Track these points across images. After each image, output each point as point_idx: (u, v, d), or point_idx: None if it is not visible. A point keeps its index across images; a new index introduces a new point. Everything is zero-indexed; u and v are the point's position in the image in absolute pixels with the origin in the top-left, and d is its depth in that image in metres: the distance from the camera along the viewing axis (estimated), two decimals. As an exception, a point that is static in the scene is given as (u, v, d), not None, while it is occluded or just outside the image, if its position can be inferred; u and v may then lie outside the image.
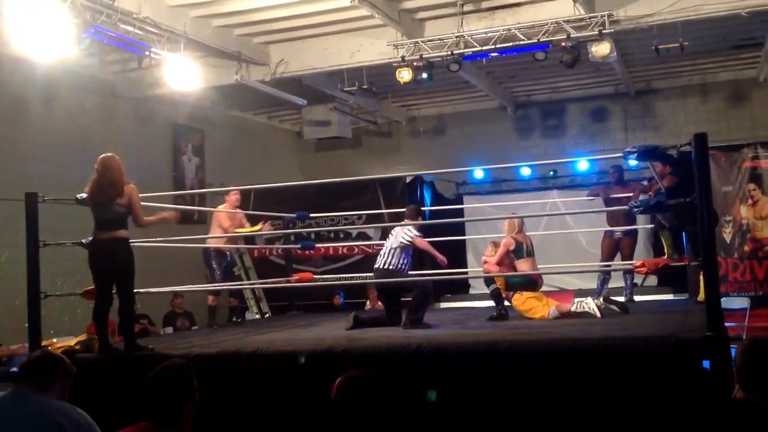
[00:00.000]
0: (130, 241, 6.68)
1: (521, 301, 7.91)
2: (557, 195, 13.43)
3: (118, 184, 6.46)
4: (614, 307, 7.86)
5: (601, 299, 7.97)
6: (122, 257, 6.49)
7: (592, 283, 10.49)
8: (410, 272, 7.99)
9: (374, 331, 7.36)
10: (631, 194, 9.62)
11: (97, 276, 6.56)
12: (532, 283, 8.06)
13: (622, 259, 9.74)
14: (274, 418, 5.70)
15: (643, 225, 10.63)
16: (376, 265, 7.93)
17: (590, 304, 7.53)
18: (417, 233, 7.78)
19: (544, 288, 8.54)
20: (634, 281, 11.10)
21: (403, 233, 7.75)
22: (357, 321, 7.55)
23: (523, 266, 8.10)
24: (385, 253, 7.84)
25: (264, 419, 5.76)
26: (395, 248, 7.75)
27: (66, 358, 4.19)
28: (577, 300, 7.75)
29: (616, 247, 9.71)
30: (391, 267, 7.74)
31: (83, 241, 6.98)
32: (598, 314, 7.44)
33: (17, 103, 10.52)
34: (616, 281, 10.08)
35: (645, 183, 10.46)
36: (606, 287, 9.59)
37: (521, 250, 8.14)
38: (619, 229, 9.58)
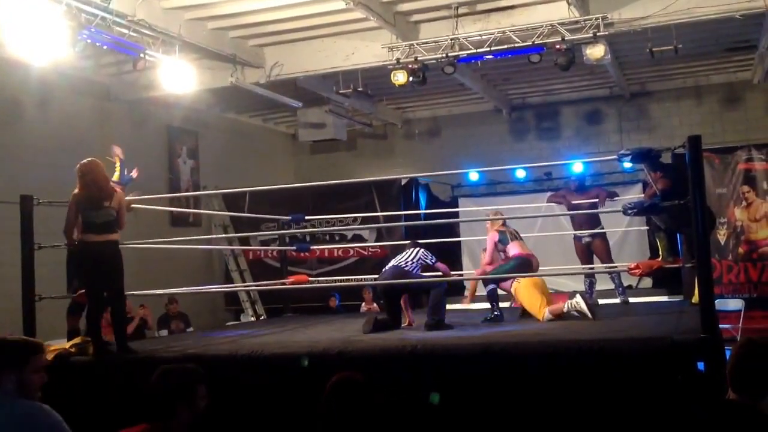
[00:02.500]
0: (125, 243, 6.69)
1: (523, 287, 7.88)
2: (552, 197, 13.44)
3: (110, 188, 6.58)
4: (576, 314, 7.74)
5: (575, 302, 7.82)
6: (114, 260, 6.51)
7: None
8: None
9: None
10: (594, 200, 9.69)
11: (88, 279, 6.57)
12: (526, 263, 8.08)
13: (601, 262, 9.77)
14: (269, 420, 5.70)
15: (613, 228, 10.77)
16: (386, 267, 8.00)
17: (581, 304, 7.50)
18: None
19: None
20: (628, 283, 11.17)
21: (424, 255, 7.91)
22: (376, 324, 7.45)
23: (512, 249, 8.18)
24: (398, 259, 7.97)
25: (258, 422, 5.75)
26: (412, 260, 7.86)
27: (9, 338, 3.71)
28: (569, 300, 7.74)
29: (588, 250, 9.76)
30: (404, 267, 7.81)
31: (76, 243, 6.99)
32: (589, 315, 7.42)
33: (12, 106, 10.51)
34: (606, 284, 10.10)
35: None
36: (594, 290, 9.62)
37: (506, 238, 8.23)
38: (585, 233, 9.63)
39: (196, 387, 3.65)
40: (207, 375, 3.76)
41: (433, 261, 7.94)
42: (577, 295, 7.72)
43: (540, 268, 8.61)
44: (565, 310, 7.60)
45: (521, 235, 8.51)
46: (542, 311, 7.70)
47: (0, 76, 10.22)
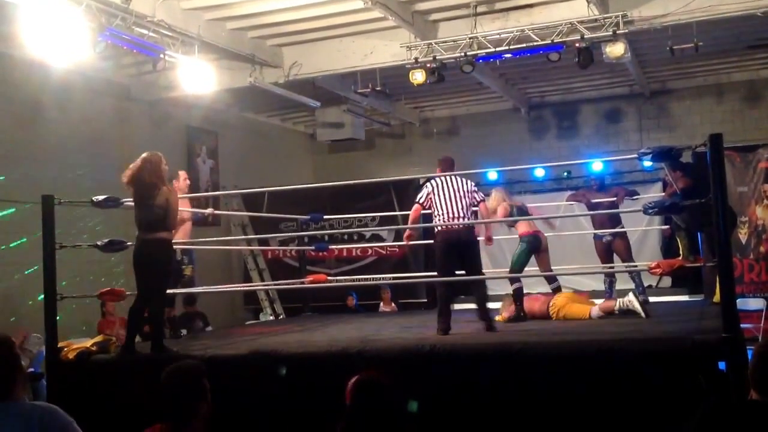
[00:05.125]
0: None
1: (561, 306, 7.88)
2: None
3: (156, 185, 6.46)
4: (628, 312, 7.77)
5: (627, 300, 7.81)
6: (160, 259, 6.49)
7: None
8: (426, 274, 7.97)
9: (388, 332, 7.37)
10: (613, 198, 9.64)
11: (137, 275, 6.59)
12: (534, 242, 8.22)
13: (622, 261, 9.72)
14: (289, 419, 5.71)
15: (633, 227, 10.70)
16: (455, 219, 7.01)
17: (634, 303, 7.46)
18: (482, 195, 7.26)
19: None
20: (648, 283, 11.10)
21: (476, 191, 7.24)
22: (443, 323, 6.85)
23: (520, 227, 8.32)
24: (462, 209, 7.05)
25: (279, 420, 5.77)
26: (469, 206, 7.09)
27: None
28: (620, 299, 7.71)
29: (609, 249, 9.70)
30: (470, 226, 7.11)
31: (98, 243, 7.03)
32: (643, 314, 7.36)
33: (32, 107, 10.58)
34: (626, 283, 10.04)
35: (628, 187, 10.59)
36: (614, 289, 9.58)
37: (515, 213, 8.33)
38: (606, 232, 9.57)
39: (205, 382, 3.68)
40: (226, 374, 3.78)
41: (480, 198, 7.31)
42: (630, 294, 7.68)
43: (560, 267, 8.62)
44: (616, 308, 7.57)
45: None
46: (587, 309, 7.67)
47: (20, 77, 10.29)
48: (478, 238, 7.47)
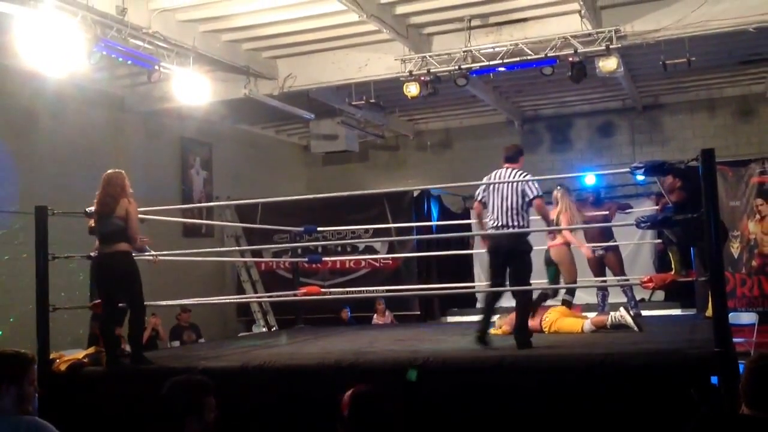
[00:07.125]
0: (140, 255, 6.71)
1: (552, 322, 7.84)
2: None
3: (115, 199, 6.50)
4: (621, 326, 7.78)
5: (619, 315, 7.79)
6: (123, 270, 6.51)
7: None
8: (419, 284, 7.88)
9: (381, 344, 7.36)
10: (606, 213, 9.68)
11: (101, 289, 6.61)
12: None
13: (614, 274, 9.74)
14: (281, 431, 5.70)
15: (627, 241, 10.75)
16: (496, 223, 6.57)
17: (626, 318, 7.45)
18: (538, 190, 6.58)
19: (551, 302, 8.56)
20: (641, 297, 11.11)
21: (527, 186, 6.63)
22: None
23: None
24: (503, 211, 6.58)
25: (271, 433, 5.75)
26: (517, 206, 6.56)
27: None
28: (612, 313, 7.70)
29: (601, 263, 9.72)
30: (515, 226, 6.54)
31: (91, 254, 7.02)
32: (636, 328, 7.36)
33: (27, 117, 10.58)
34: (619, 296, 10.06)
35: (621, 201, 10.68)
36: (607, 302, 9.59)
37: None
38: (599, 246, 9.59)
39: (205, 399, 3.63)
40: (218, 387, 3.75)
41: (534, 193, 6.62)
42: (621, 308, 7.66)
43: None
44: (608, 322, 7.55)
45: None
46: (580, 324, 7.64)
47: (16, 87, 10.29)
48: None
